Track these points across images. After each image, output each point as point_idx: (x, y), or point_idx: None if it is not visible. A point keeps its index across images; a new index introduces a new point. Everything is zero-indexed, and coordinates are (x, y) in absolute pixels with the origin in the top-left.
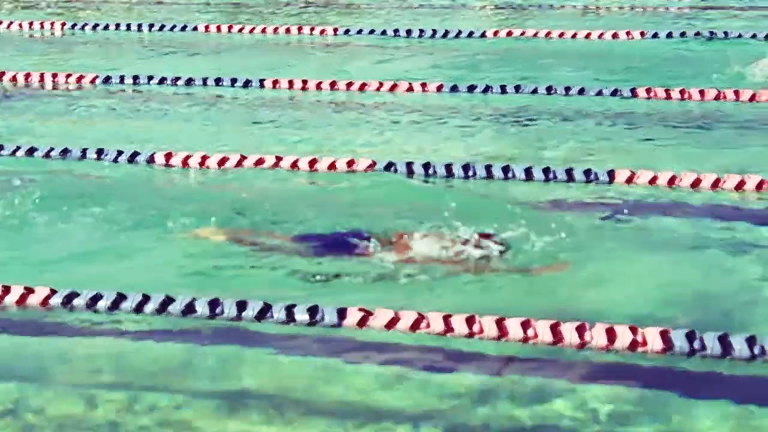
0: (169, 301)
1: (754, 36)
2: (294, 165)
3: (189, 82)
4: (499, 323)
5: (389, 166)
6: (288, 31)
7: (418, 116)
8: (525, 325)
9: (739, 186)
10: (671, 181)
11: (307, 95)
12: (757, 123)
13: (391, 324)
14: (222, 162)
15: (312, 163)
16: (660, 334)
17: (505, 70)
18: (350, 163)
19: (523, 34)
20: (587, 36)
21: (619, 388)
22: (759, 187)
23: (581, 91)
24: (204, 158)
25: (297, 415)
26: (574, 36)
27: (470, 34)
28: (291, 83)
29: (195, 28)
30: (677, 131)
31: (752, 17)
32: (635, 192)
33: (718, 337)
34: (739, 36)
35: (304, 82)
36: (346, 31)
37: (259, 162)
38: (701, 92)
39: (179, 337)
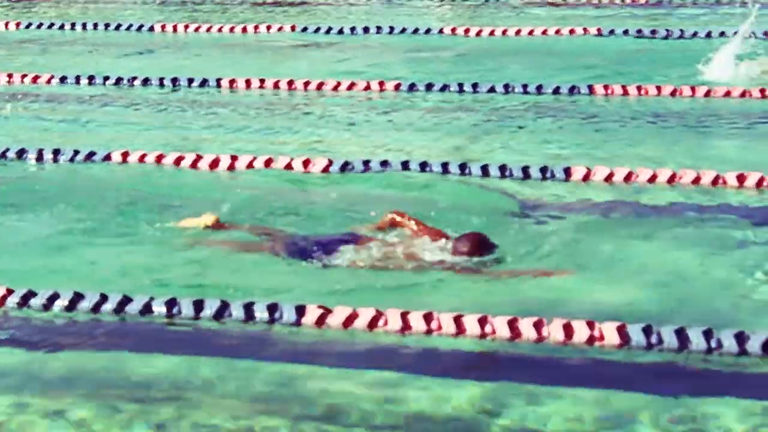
0: (126, 301)
1: (709, 34)
2: (250, 165)
3: (145, 81)
4: (457, 320)
5: (345, 166)
6: (245, 30)
7: (376, 115)
8: (482, 322)
9: (695, 181)
10: (627, 177)
11: (264, 94)
12: (712, 119)
13: (349, 321)
14: (178, 161)
15: (268, 162)
16: (617, 329)
17: (463, 67)
18: (306, 163)
19: (480, 31)
20: (544, 32)
21: (577, 383)
22: (714, 182)
23: (539, 89)
24: (160, 157)
25: (256, 414)
26: (530, 33)
27: (428, 32)
28: (248, 82)
29: (151, 28)
30: (634, 128)
31: (709, 15)
32: (592, 189)
33: (675, 330)
34: (695, 34)
35: (261, 81)
36: (304, 30)
37: (215, 162)
38: (658, 88)
39: (137, 337)
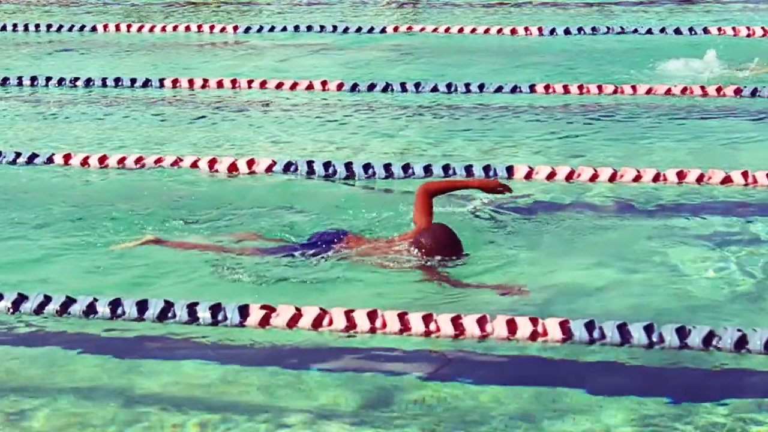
0: (70, 302)
1: (649, 31)
2: (194, 165)
3: (88, 82)
4: (402, 318)
5: (289, 166)
6: (188, 29)
7: (319, 115)
8: (427, 319)
9: (636, 179)
10: (569, 175)
11: (207, 94)
12: (655, 117)
13: (294, 321)
14: (121, 161)
15: (212, 163)
16: (560, 325)
17: (406, 67)
18: (250, 163)
19: (422, 30)
20: (486, 31)
21: (520, 379)
22: (655, 179)
23: (481, 87)
24: (103, 158)
25: (199, 415)
26: (473, 31)
27: (371, 30)
28: (191, 82)
29: (93, 28)
30: (576, 126)
31: (649, 12)
32: (535, 187)
33: (618, 326)
34: (635, 31)
35: (205, 81)
36: (247, 30)
37: (159, 161)
38: (599, 87)
39: (80, 338)
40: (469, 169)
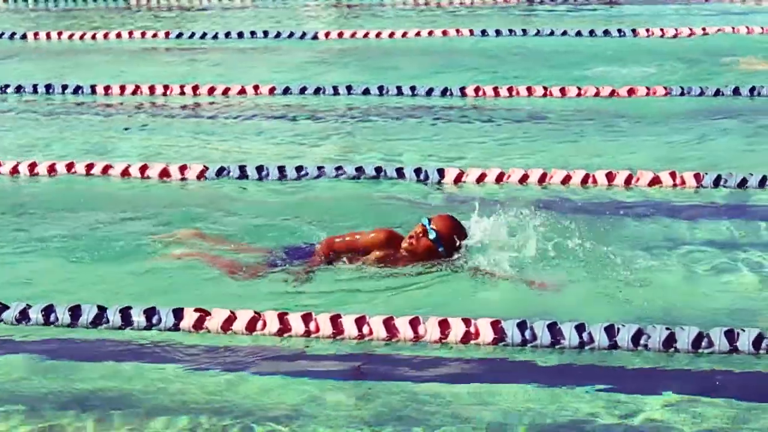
0: (2, 308)
1: (579, 33)
2: (125, 172)
3: (19, 89)
4: (334, 321)
5: (221, 171)
6: (119, 36)
7: (251, 119)
8: (360, 322)
9: (565, 180)
10: (499, 178)
11: (138, 100)
12: (582, 119)
13: (228, 324)
14: (51, 169)
15: (143, 169)
16: (491, 325)
17: (337, 71)
18: (182, 169)
19: (354, 34)
20: (417, 34)
21: (453, 379)
22: (584, 181)
23: (413, 89)
24: (33, 165)
25: (136, 418)
26: (404, 35)
27: (303, 36)
28: (122, 88)
29: (24, 36)
30: (506, 128)
31: (574, 14)
32: (466, 190)
33: (547, 325)
34: (564, 33)
35: (137, 87)
36: (179, 35)
37: (90, 167)
38: (528, 89)
39: (11, 345)
40: (400, 171)
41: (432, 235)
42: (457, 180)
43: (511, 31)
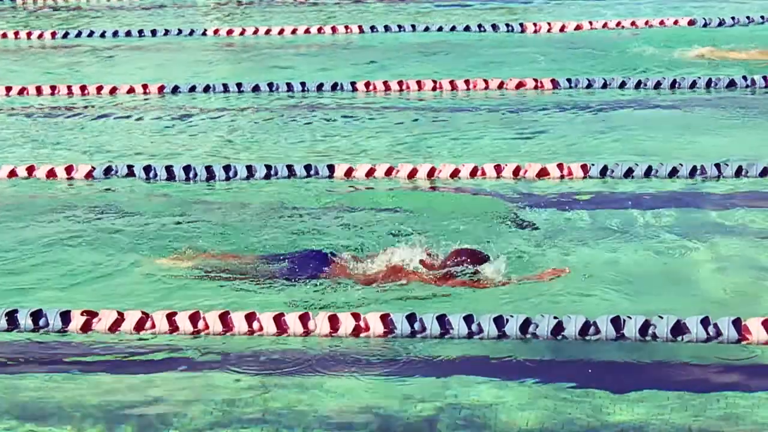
0: None
1: (480, 27)
2: (12, 173)
3: None
4: (223, 318)
5: (109, 170)
6: (4, 35)
7: (140, 118)
8: (249, 318)
9: (454, 174)
10: (389, 171)
11: (25, 101)
12: (485, 112)
13: (116, 325)
14: None
15: (30, 170)
16: (380, 318)
17: (227, 67)
18: (69, 170)
19: (243, 32)
20: (306, 31)
21: (346, 372)
22: (473, 173)
23: (303, 86)
24: None
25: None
26: (294, 32)
27: (191, 33)
28: (8, 89)
29: None
30: (398, 123)
31: (468, 9)
32: (355, 184)
33: (436, 317)
34: (467, 28)
35: (23, 88)
36: (65, 35)
37: None
38: (418, 83)
39: None
40: (290, 168)
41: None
42: (347, 175)
43: (400, 27)
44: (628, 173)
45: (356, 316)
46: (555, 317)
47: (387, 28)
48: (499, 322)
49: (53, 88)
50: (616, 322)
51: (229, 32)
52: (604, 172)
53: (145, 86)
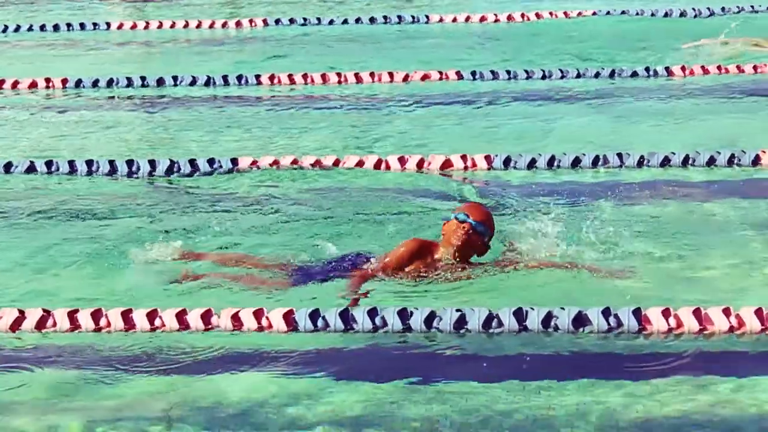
0: None
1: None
2: None
3: None
4: (125, 316)
5: (9, 166)
6: None
7: (41, 112)
8: (151, 316)
9: (359, 164)
10: (316, 163)
11: None
12: (394, 104)
13: (16, 324)
14: None
15: None
16: (283, 316)
17: (135, 62)
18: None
19: (147, 25)
20: (224, 25)
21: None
22: (377, 165)
23: (209, 80)
24: None
25: None
26: (211, 26)
27: (95, 26)
28: None
29: None
30: (303, 116)
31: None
32: (257, 176)
33: (339, 313)
34: (415, 20)
35: None
36: None
37: None
38: (323, 76)
39: None
40: (193, 162)
41: (480, 228)
42: (252, 165)
43: (305, 19)
44: (532, 164)
45: (258, 313)
46: (458, 310)
47: (292, 21)
48: (430, 318)
49: None
50: (519, 314)
51: (134, 26)
52: (507, 162)
53: (48, 80)
